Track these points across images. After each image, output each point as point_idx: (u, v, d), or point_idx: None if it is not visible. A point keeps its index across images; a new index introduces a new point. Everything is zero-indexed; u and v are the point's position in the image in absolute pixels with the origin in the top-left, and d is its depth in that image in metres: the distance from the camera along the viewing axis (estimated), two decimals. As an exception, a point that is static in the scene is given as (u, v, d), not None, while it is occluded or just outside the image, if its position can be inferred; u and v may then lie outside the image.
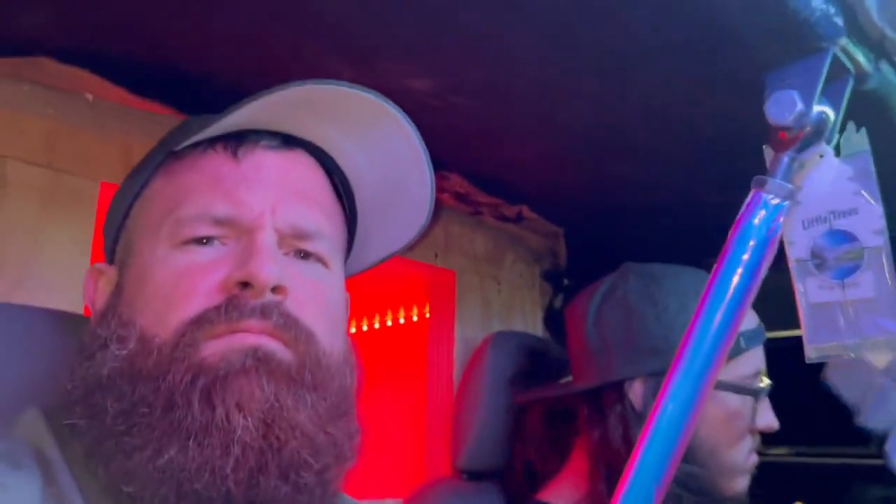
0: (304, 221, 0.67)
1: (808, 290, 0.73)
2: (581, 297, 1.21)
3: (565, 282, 1.65)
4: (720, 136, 1.05)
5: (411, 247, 0.79)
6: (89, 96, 1.01)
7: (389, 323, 1.86)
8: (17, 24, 0.84)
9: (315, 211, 0.69)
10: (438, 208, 0.76)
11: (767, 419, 1.12)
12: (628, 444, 1.06)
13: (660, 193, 1.29)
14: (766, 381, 1.13)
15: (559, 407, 1.25)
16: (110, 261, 0.72)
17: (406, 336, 1.83)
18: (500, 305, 1.56)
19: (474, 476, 1.34)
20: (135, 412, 0.59)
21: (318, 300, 0.67)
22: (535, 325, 1.62)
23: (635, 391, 1.09)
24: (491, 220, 1.47)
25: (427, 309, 1.70)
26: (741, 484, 1.11)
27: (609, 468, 1.07)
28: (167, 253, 0.64)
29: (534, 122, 1.06)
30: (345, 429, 0.66)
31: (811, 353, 0.73)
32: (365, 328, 1.93)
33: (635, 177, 1.25)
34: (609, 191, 1.32)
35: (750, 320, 1.14)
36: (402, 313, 1.83)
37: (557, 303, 1.66)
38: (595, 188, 1.32)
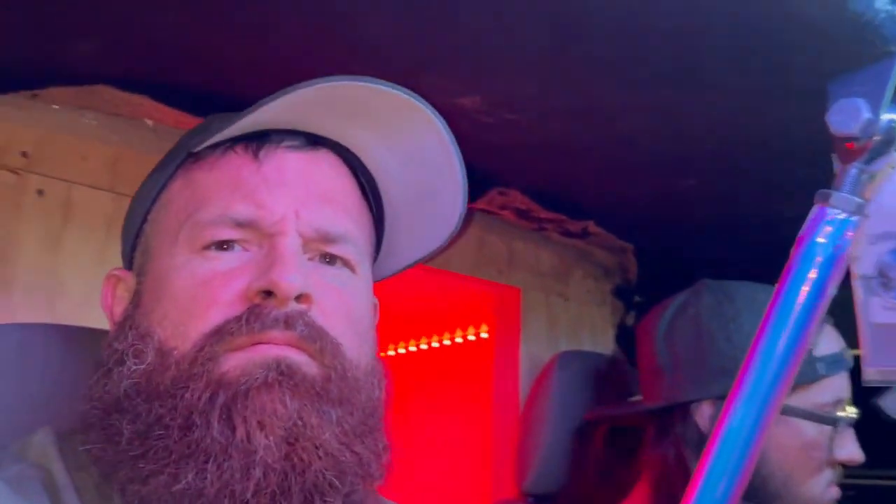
0: (330, 225, 0.64)
1: (871, 310, 0.68)
2: (653, 313, 1.17)
3: (636, 298, 1.60)
4: (791, 147, 1.00)
5: (437, 254, 0.76)
6: (149, 122, 1.03)
7: (459, 340, 1.84)
8: (75, 53, 0.86)
9: (341, 214, 0.66)
10: (469, 217, 0.73)
11: (849, 451, 1.04)
12: (689, 468, 1.01)
13: (731, 206, 1.24)
14: (850, 411, 1.06)
15: (625, 427, 1.21)
16: (128, 266, 0.70)
17: (468, 355, 1.81)
18: (567, 323, 1.52)
19: (540, 499, 1.30)
20: (151, 434, 0.57)
21: (345, 308, 0.64)
22: (605, 344, 1.58)
23: (702, 413, 1.04)
24: (556, 236, 1.44)
25: (490, 327, 1.67)
26: None
27: (671, 494, 1.03)
28: (186, 259, 0.62)
29: (590, 136, 1.03)
30: (372, 446, 0.63)
31: (870, 376, 0.67)
32: (433, 345, 1.91)
33: (704, 190, 1.20)
34: (678, 204, 1.28)
35: (831, 345, 1.07)
36: (471, 330, 1.81)
37: (629, 320, 1.61)
38: (663, 202, 1.28)
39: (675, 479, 1.03)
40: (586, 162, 1.13)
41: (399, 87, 0.63)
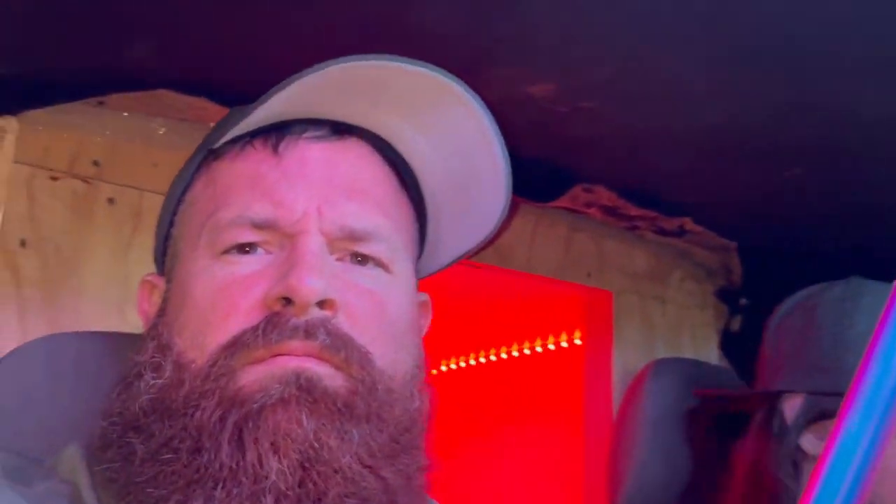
0: (356, 221, 0.58)
1: None
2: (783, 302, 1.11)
3: (742, 301, 1.48)
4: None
5: (483, 247, 0.70)
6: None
7: (552, 347, 1.76)
8: (132, 56, 0.84)
9: (369, 208, 0.60)
10: (513, 209, 0.66)
11: None
12: (764, 465, 0.96)
13: (843, 197, 1.13)
14: None
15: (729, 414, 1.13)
16: (160, 271, 0.67)
17: (557, 363, 1.72)
18: (665, 328, 1.42)
19: (635, 518, 1.21)
20: (160, 457, 0.53)
21: (377, 312, 0.58)
22: (707, 351, 1.46)
23: (792, 404, 0.97)
24: (650, 235, 1.34)
25: (578, 334, 1.58)
26: None
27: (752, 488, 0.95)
28: (206, 264, 0.58)
29: (678, 125, 0.94)
30: (406, 467, 0.57)
31: None
32: (525, 352, 1.84)
33: (812, 180, 1.09)
34: (783, 197, 1.17)
35: None
36: (563, 337, 1.72)
37: (735, 325, 1.50)
38: (768, 196, 1.17)
39: (765, 471, 0.96)
40: (676, 153, 1.04)
41: (424, 63, 0.56)
